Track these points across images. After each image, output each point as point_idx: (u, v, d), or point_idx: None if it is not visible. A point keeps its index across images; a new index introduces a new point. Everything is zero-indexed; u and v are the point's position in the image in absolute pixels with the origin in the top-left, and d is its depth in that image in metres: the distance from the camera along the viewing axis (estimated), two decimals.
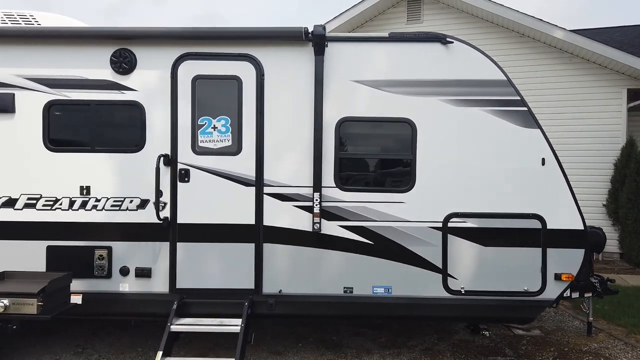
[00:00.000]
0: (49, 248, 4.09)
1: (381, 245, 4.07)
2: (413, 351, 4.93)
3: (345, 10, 11.08)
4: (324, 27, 3.96)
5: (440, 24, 10.63)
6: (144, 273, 4.10)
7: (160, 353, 3.59)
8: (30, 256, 4.07)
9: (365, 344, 5.15)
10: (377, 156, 4.17)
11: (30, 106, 4.08)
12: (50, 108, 4.09)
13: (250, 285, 4.10)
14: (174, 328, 3.78)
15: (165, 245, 4.11)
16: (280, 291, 4.08)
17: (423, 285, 4.07)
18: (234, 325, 3.86)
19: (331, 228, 4.08)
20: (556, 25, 9.59)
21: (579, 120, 9.53)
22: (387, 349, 5.02)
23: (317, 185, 4.01)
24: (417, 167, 4.06)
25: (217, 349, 4.81)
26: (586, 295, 4.55)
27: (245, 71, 4.07)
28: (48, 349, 4.91)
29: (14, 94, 4.07)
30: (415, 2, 10.98)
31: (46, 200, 4.09)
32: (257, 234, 4.09)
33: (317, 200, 4.00)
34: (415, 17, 11.02)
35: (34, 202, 4.08)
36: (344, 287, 4.09)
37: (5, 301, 3.32)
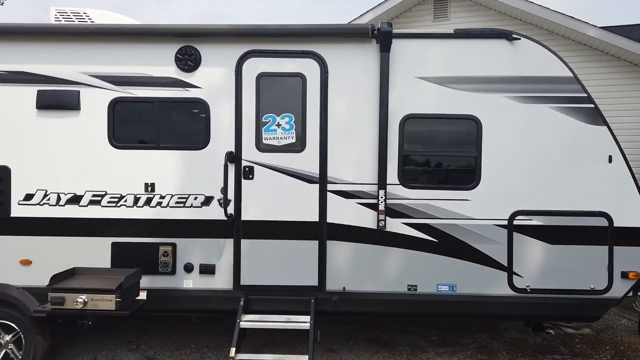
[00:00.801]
0: (113, 244, 4.11)
1: (445, 243, 4.05)
2: (467, 349, 4.92)
3: (371, 9, 11.03)
4: (390, 24, 3.95)
5: (467, 22, 10.56)
6: (208, 270, 4.11)
7: (233, 349, 3.60)
8: (95, 252, 4.09)
9: (417, 342, 5.15)
10: (441, 153, 4.15)
11: (96, 103, 4.09)
12: (115, 105, 4.10)
13: (314, 282, 4.10)
14: (243, 325, 3.79)
15: (230, 242, 4.12)
16: (344, 288, 4.08)
17: (488, 283, 4.05)
18: (302, 322, 3.87)
19: (395, 225, 4.07)
20: (588, 23, 9.53)
21: (610, 118, 9.46)
22: (441, 347, 5.01)
23: (382, 183, 4.00)
24: (482, 164, 4.04)
25: (270, 347, 4.83)
26: None
27: (309, 68, 4.07)
28: (103, 346, 4.95)
29: (79, 91, 4.09)
30: (442, 0, 10.94)
31: (111, 197, 4.11)
32: (321, 232, 4.08)
33: (382, 197, 3.99)
34: (441, 14, 10.96)
35: (99, 198, 4.10)
36: (408, 285, 4.08)
37: (84, 297, 3.33)
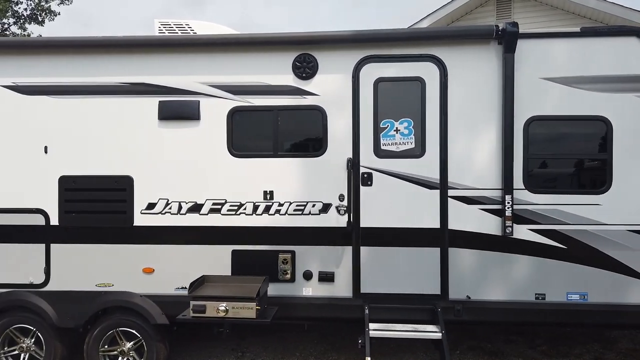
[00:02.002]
0: (234, 252, 4.13)
1: (575, 250, 3.89)
2: None
3: (429, 14, 10.90)
4: (516, 24, 3.85)
5: (531, 22, 10.28)
6: (327, 277, 4.08)
7: (368, 359, 3.54)
8: (215, 260, 4.14)
9: (526, 351, 4.97)
10: (568, 156, 3.99)
11: (215, 113, 4.15)
12: (234, 114, 4.14)
13: (436, 290, 4.00)
14: (373, 334, 3.73)
15: (348, 250, 4.08)
16: (468, 297, 3.97)
17: (623, 291, 3.85)
18: (432, 332, 3.78)
19: (521, 232, 3.93)
20: None
21: None
22: (552, 357, 4.81)
23: (509, 188, 3.88)
24: (613, 167, 3.86)
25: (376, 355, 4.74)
26: None
27: (428, 72, 4.00)
28: (209, 353, 4.99)
29: (199, 101, 4.15)
30: (504, 0, 10.73)
31: (231, 205, 4.14)
32: (443, 238, 3.99)
33: (508, 203, 3.87)
34: (504, 15, 10.73)
35: (219, 207, 4.14)
36: (536, 294, 3.93)
37: (224, 305, 3.35)
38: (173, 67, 4.17)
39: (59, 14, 17.68)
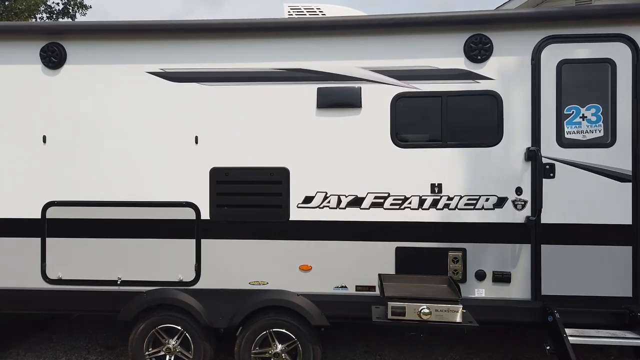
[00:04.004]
0: (398, 249, 3.85)
1: None
2: None
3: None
4: None
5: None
6: (502, 278, 3.75)
7: None
8: (378, 257, 3.86)
9: None
10: None
11: (378, 100, 3.86)
12: (397, 101, 3.85)
13: (627, 293, 3.64)
14: (572, 340, 3.39)
15: (526, 248, 3.75)
16: None
17: None
18: (633, 338, 3.42)
19: None
20: None
21: None
22: None
23: None
24: None
25: None
26: None
27: (619, 53, 3.63)
28: (344, 356, 4.72)
29: (360, 87, 3.88)
30: None
31: (394, 199, 3.85)
32: (635, 236, 3.63)
33: None
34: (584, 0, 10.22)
35: (382, 201, 3.86)
36: None
37: (427, 307, 3.07)
38: (332, 52, 3.90)
39: (90, 7, 17.74)
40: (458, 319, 3.06)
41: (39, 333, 5.38)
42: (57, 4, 17.36)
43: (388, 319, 3.12)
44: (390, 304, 3.12)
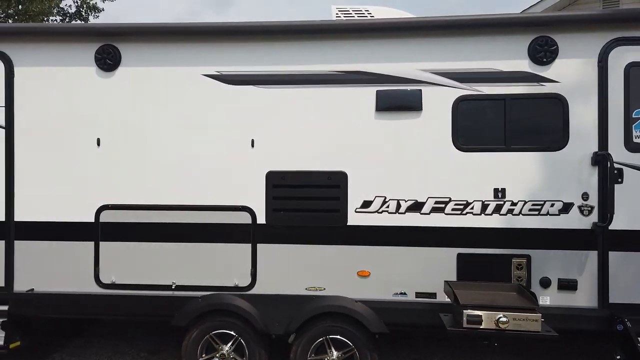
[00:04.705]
0: (459, 255, 3.77)
1: None
2: None
3: (536, 2, 10.40)
4: None
5: None
6: (569, 285, 3.65)
7: None
8: (438, 264, 3.78)
9: None
10: None
11: (438, 102, 3.79)
12: (459, 104, 3.78)
13: None
14: None
15: (593, 255, 3.65)
16: None
17: None
18: None
19: None
20: None
21: None
22: None
23: None
24: None
25: None
26: None
27: None
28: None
29: (420, 90, 3.81)
30: None
31: (456, 204, 3.78)
32: None
33: None
34: (611, 3, 10.12)
35: (443, 206, 3.78)
36: None
37: (505, 316, 2.98)
38: (392, 54, 3.83)
39: (103, 9, 17.79)
40: (537, 328, 2.97)
41: (79, 337, 5.35)
42: (70, 6, 17.47)
43: (463, 327, 3.04)
44: (466, 312, 3.04)
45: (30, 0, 15.70)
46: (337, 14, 4.52)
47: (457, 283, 3.51)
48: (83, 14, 17.65)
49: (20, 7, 15.59)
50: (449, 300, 3.71)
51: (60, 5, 17.16)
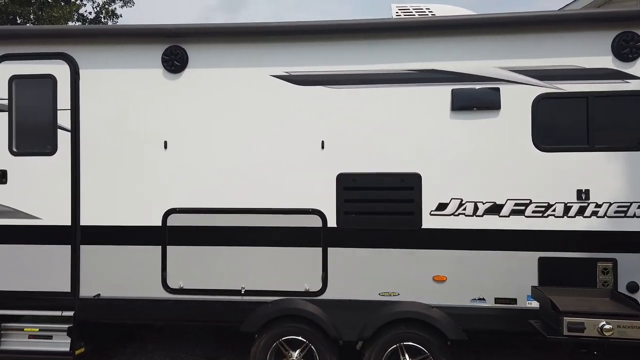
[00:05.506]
0: (541, 259, 3.64)
1: None
2: None
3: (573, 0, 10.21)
4: None
5: None
6: None
7: None
8: (519, 268, 3.65)
9: None
10: None
11: (517, 101, 3.66)
12: (539, 102, 3.66)
13: None
14: None
15: None
16: None
17: None
18: None
19: None
20: None
21: None
22: None
23: None
24: None
25: None
26: None
27: None
28: None
29: (498, 88, 3.70)
30: None
31: (536, 206, 3.65)
32: None
33: None
34: None
35: (523, 208, 3.65)
36: None
37: (608, 324, 2.84)
38: (467, 52, 3.72)
39: (121, 16, 17.90)
40: None
41: (132, 342, 5.30)
42: (90, 13, 17.63)
43: (564, 335, 2.91)
44: (567, 319, 2.90)
45: (52, 6, 15.94)
46: (397, 12, 4.44)
47: (547, 289, 3.37)
48: (102, 20, 17.83)
49: (42, 13, 15.78)
50: (531, 306, 3.61)
51: (80, 12, 17.36)
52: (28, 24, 15.09)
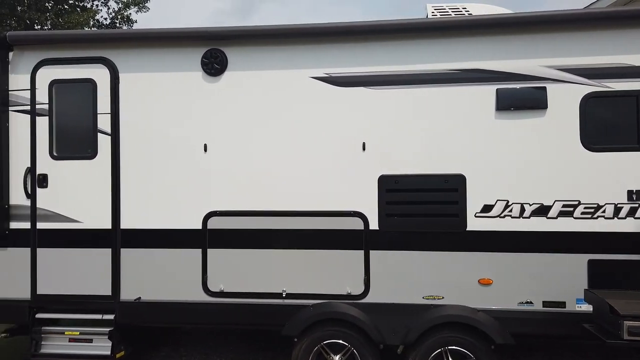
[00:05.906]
0: (590, 262, 3.55)
1: None
2: None
3: None
4: None
5: None
6: None
7: None
8: (567, 271, 3.57)
9: None
10: None
11: (565, 100, 3.59)
12: (587, 101, 3.58)
13: None
14: None
15: None
16: None
17: None
18: None
19: None
20: None
21: None
22: None
23: None
24: None
25: None
26: None
27: None
28: None
29: (545, 88, 3.63)
30: None
31: (585, 208, 3.57)
32: None
33: None
34: None
35: (571, 209, 3.58)
36: None
37: None
38: (512, 50, 3.66)
39: (136, 21, 18.02)
40: None
41: (164, 345, 5.30)
42: (105, 19, 17.81)
43: (624, 339, 2.83)
44: (627, 323, 2.82)
45: (68, 13, 16.15)
46: (432, 12, 4.38)
47: (602, 292, 3.29)
48: (118, 25, 18.00)
49: (60, 19, 15.99)
50: (580, 309, 3.52)
51: (95, 17, 17.55)
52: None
